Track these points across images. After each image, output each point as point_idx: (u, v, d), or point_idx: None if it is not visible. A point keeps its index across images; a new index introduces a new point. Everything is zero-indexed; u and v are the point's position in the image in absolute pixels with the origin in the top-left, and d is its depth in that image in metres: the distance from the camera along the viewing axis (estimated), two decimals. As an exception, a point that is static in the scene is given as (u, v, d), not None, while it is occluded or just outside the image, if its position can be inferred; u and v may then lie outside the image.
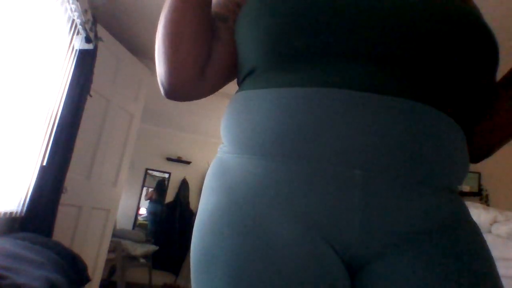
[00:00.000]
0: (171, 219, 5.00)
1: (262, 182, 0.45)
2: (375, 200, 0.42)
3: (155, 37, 0.57)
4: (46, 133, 2.03)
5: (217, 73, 0.59)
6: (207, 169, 0.55)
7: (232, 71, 0.61)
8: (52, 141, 2.04)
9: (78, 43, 2.11)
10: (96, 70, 2.28)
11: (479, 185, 3.32)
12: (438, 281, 0.41)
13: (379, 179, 0.42)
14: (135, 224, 5.28)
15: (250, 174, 0.46)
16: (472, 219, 0.49)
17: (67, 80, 2.12)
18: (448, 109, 0.46)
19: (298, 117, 0.44)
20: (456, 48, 0.45)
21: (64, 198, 2.17)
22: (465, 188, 3.27)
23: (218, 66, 0.59)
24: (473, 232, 0.47)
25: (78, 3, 1.95)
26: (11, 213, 1.84)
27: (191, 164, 5.41)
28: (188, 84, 0.56)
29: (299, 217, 0.43)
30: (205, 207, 0.49)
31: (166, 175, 5.45)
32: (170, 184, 5.40)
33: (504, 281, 0.45)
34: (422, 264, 0.42)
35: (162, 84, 0.57)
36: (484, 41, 0.47)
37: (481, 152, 0.57)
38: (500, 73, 0.55)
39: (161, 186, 5.42)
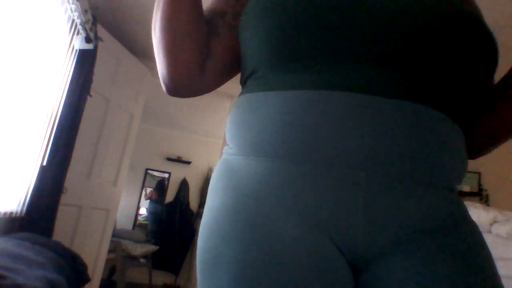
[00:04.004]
0: (171, 219, 4.99)
1: (267, 182, 0.45)
2: (378, 200, 0.43)
3: None
4: (46, 133, 2.03)
5: (217, 68, 0.59)
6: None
7: (233, 66, 0.61)
8: (52, 141, 2.04)
9: (78, 43, 2.11)
10: (96, 70, 2.28)
11: (479, 185, 3.32)
12: (439, 280, 0.41)
13: (382, 180, 0.43)
14: (135, 224, 5.28)
15: (255, 175, 0.46)
16: (471, 218, 0.49)
17: (67, 80, 2.12)
18: (448, 109, 0.47)
19: (302, 119, 0.44)
20: (458, 50, 0.46)
21: (64, 198, 2.17)
22: (465, 188, 3.26)
23: (217, 61, 0.59)
24: (473, 232, 0.47)
25: (78, 3, 1.95)
26: (11, 213, 1.84)
27: (191, 164, 5.41)
28: (189, 80, 0.57)
29: (304, 216, 0.43)
30: (210, 207, 0.49)
31: (166, 175, 5.45)
32: (170, 184, 5.40)
33: (504, 281, 0.45)
34: (423, 263, 0.42)
35: (164, 81, 0.57)
36: (484, 42, 0.47)
37: (480, 149, 0.59)
38: (500, 74, 0.55)
39: (161, 186, 5.41)
